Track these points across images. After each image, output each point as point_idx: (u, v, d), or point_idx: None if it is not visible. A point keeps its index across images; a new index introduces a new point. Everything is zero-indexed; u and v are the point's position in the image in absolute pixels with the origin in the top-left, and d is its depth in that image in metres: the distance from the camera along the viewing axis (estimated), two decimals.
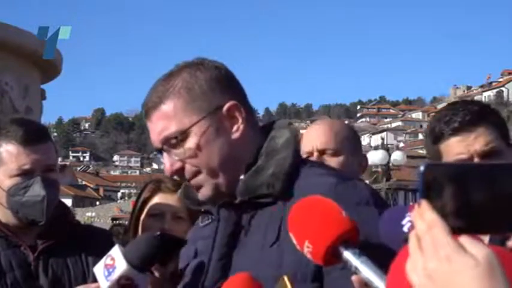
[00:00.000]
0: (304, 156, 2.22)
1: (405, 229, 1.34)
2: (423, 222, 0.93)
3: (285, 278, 1.45)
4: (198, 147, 1.61)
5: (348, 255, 1.27)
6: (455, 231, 0.91)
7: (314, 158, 2.55)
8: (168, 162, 1.63)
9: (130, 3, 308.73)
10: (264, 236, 1.58)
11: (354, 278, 1.25)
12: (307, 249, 1.31)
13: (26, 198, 2.21)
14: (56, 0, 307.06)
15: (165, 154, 1.65)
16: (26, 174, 2.22)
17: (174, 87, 1.63)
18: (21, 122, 2.34)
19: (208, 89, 1.63)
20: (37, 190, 2.21)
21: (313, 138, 2.64)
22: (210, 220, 1.74)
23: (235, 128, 1.63)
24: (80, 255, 2.33)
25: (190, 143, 1.61)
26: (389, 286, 1.17)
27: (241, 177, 1.62)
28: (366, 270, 1.24)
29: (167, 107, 1.62)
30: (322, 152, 2.62)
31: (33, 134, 2.26)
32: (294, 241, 1.35)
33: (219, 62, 1.70)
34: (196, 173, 1.63)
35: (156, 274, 2.06)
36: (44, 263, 2.26)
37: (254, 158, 1.63)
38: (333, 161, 2.56)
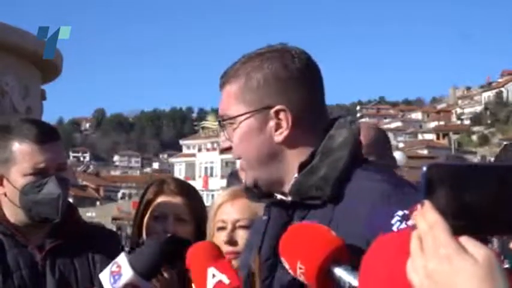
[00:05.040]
0: None
1: (394, 228, 1.35)
2: (425, 222, 0.93)
3: None
4: (239, 137, 1.63)
5: (339, 271, 1.29)
6: (458, 231, 0.92)
7: None
8: (222, 137, 1.69)
9: (130, 3, 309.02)
10: None
11: None
12: (299, 270, 1.33)
13: (40, 196, 2.21)
14: (56, 0, 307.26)
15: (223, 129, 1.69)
16: (40, 173, 2.22)
17: (242, 71, 1.63)
18: (33, 122, 2.34)
19: (264, 85, 1.61)
20: (52, 188, 2.21)
21: None
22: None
23: (279, 131, 1.60)
24: (87, 255, 2.32)
25: (234, 131, 1.63)
26: (362, 281, 1.18)
27: (295, 175, 1.59)
28: None
29: (229, 88, 1.64)
30: None
31: (46, 133, 2.26)
32: (287, 266, 1.37)
33: (300, 56, 1.63)
34: (239, 157, 1.66)
35: (165, 275, 2.07)
36: (51, 262, 2.26)
37: (310, 157, 1.59)
38: None
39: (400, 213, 1.37)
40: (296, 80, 1.62)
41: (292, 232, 1.41)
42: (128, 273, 1.78)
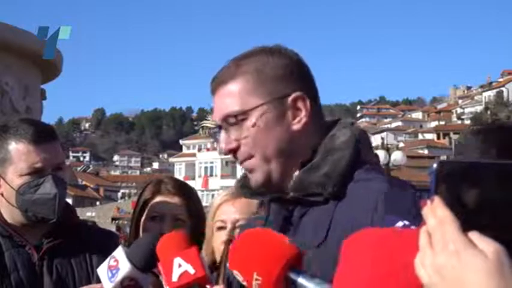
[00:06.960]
0: None
1: None
2: (434, 218, 0.93)
3: None
4: (256, 130, 1.59)
5: (301, 280, 1.25)
6: (467, 228, 0.91)
7: None
8: (224, 140, 1.63)
9: (130, 3, 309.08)
10: (312, 236, 1.53)
11: None
12: (256, 282, 1.28)
13: (37, 196, 2.21)
14: (56, 0, 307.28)
15: (222, 132, 1.64)
16: (36, 173, 2.21)
17: (246, 68, 1.62)
18: (30, 122, 2.34)
19: (278, 75, 1.61)
20: (48, 188, 2.21)
21: None
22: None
23: (297, 119, 1.60)
24: (84, 255, 2.32)
25: (249, 124, 1.60)
26: (340, 273, 1.14)
27: (296, 173, 1.59)
28: None
29: (235, 86, 1.62)
30: None
31: (43, 133, 2.26)
32: (240, 278, 1.32)
33: (295, 52, 1.67)
34: (250, 156, 1.62)
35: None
36: (48, 263, 2.25)
37: (311, 155, 1.60)
38: None
39: (400, 223, 1.34)
40: (302, 71, 1.65)
41: (242, 241, 1.35)
42: (125, 267, 1.76)
